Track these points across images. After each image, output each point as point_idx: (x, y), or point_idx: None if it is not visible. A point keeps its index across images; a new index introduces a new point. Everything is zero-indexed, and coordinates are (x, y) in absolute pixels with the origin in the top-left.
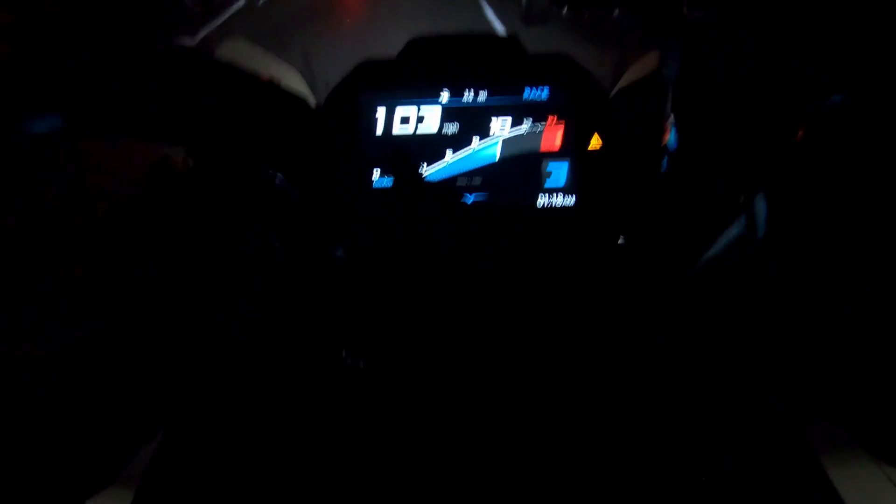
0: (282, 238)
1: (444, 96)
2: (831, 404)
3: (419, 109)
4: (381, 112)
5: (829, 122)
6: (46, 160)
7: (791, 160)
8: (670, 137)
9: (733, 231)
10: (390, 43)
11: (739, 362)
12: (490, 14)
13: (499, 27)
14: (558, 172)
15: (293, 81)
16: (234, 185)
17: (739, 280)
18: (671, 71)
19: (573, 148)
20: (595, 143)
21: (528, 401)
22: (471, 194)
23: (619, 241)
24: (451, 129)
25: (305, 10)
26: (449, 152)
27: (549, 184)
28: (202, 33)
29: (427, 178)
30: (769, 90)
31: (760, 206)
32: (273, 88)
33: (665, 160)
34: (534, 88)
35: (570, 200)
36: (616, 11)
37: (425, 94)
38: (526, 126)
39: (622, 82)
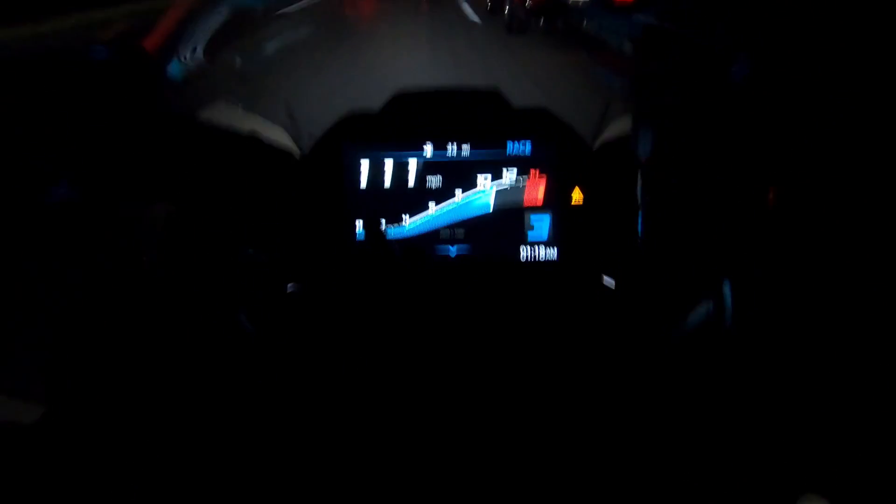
0: (251, 317)
1: (428, 150)
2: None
3: (403, 161)
4: (364, 164)
5: (800, 182)
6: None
7: (756, 240)
8: (638, 191)
9: (700, 313)
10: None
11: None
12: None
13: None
14: (541, 226)
15: (276, 136)
16: (215, 259)
17: (708, 361)
18: (642, 152)
19: (556, 202)
20: (577, 197)
21: (514, 458)
22: (453, 246)
23: (607, 283)
24: (435, 181)
25: (288, 57)
26: (432, 204)
27: (531, 237)
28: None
29: (410, 229)
30: (741, 154)
31: (727, 293)
32: (255, 144)
33: (640, 217)
34: (516, 143)
35: (553, 254)
36: (585, 22)
37: (409, 148)
38: (509, 179)
39: (605, 135)
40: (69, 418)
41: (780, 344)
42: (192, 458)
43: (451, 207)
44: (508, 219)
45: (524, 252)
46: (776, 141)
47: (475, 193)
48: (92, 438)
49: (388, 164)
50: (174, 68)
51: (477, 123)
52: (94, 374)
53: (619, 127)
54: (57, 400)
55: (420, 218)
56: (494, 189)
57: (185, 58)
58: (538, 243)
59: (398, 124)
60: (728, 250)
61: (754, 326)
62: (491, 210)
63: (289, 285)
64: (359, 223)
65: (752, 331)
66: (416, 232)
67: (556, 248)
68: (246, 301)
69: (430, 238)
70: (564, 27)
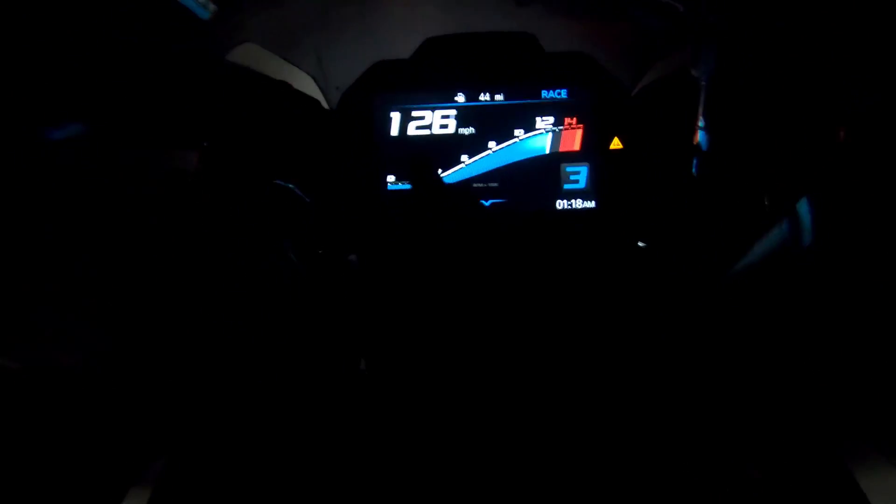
0: (296, 246)
1: (460, 98)
2: (864, 418)
3: (434, 112)
4: (395, 115)
5: (870, 122)
6: (69, 166)
7: (833, 162)
8: (700, 138)
9: (773, 238)
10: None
11: (770, 371)
12: None
13: None
14: (578, 175)
15: (304, 86)
16: (250, 194)
17: (779, 289)
18: (703, 71)
19: (593, 150)
20: (616, 144)
21: (544, 403)
22: (488, 198)
23: (640, 244)
24: (468, 131)
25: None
26: (465, 156)
27: (568, 187)
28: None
29: (444, 182)
30: (807, 90)
31: (805, 212)
32: (285, 92)
33: (695, 162)
34: (551, 90)
35: (591, 203)
36: None
37: (440, 97)
38: (544, 128)
39: (644, 81)
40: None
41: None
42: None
43: (484, 157)
44: (544, 169)
45: (561, 202)
46: (835, 80)
47: (509, 143)
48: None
49: (419, 115)
50: (198, 7)
51: (511, 70)
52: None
53: (658, 72)
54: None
55: (454, 170)
56: (529, 138)
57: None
58: (575, 193)
59: (428, 73)
60: (801, 170)
61: (835, 257)
62: (526, 160)
63: (350, 256)
64: (391, 177)
65: (832, 263)
66: (450, 182)
67: (594, 199)
68: (287, 231)
69: (465, 189)
70: None
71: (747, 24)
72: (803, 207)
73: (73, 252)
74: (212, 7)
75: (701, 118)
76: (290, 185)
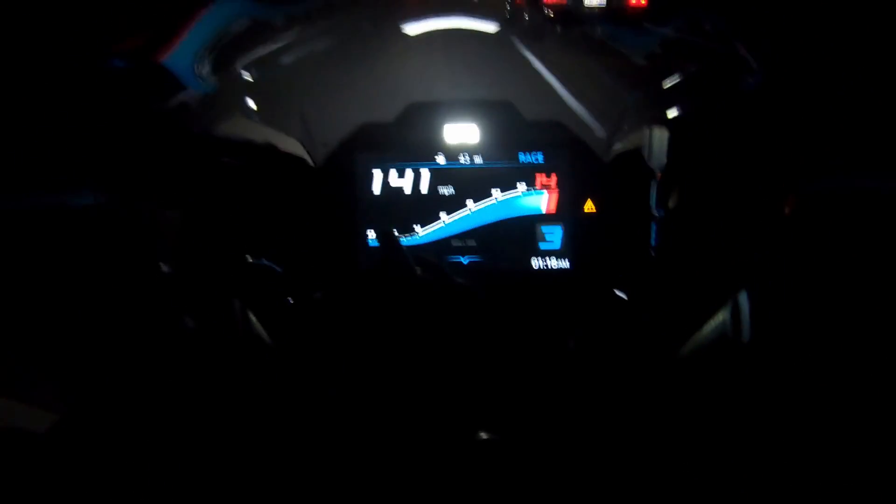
0: (264, 321)
1: (440, 159)
2: None
3: (415, 172)
4: (377, 173)
5: (821, 195)
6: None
7: (778, 235)
8: (652, 202)
9: (717, 325)
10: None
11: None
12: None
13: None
14: (553, 236)
15: (291, 147)
16: (220, 271)
17: (722, 373)
18: (656, 164)
19: (568, 212)
20: (589, 206)
21: (522, 465)
22: (465, 256)
23: (620, 295)
24: (447, 191)
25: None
26: (443, 214)
27: (543, 246)
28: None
29: (422, 239)
30: (757, 164)
31: (744, 306)
32: (270, 154)
33: (653, 227)
34: (528, 154)
35: (565, 263)
36: (599, 30)
37: (421, 157)
38: (521, 190)
39: (617, 147)
40: (80, 421)
41: (796, 357)
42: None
43: (462, 217)
44: (520, 229)
45: (537, 262)
46: (790, 150)
47: (487, 203)
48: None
49: (401, 174)
50: (189, 80)
51: (489, 135)
52: (104, 374)
53: (632, 138)
54: (68, 403)
55: (432, 229)
56: (506, 199)
57: (199, 69)
58: (551, 253)
59: (411, 135)
60: (744, 261)
61: (771, 339)
62: (503, 219)
63: (317, 293)
64: (370, 232)
65: (768, 344)
66: (428, 240)
67: (568, 259)
68: (257, 306)
69: (442, 247)
70: (581, 35)
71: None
72: (743, 299)
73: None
74: (212, 83)
75: (655, 207)
76: (262, 261)
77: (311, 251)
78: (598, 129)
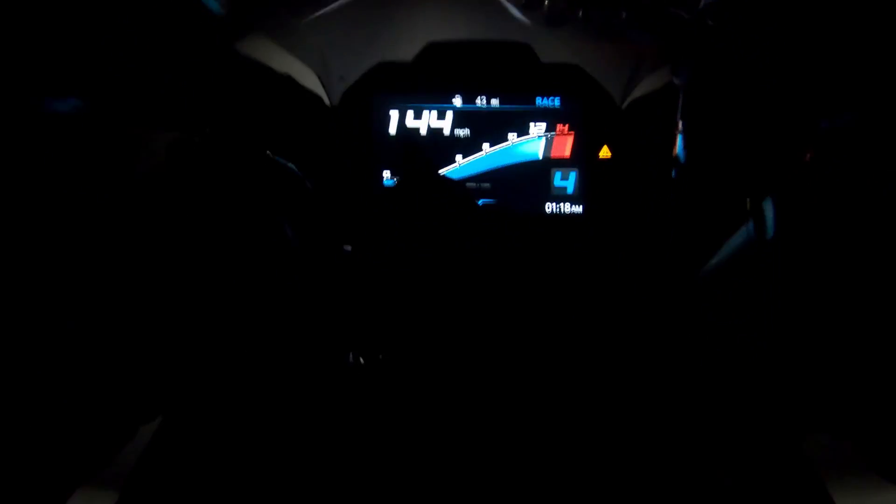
0: (294, 227)
1: (457, 101)
2: (834, 415)
3: (432, 113)
4: (394, 114)
5: (839, 145)
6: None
7: (799, 173)
8: (678, 147)
9: (741, 235)
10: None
11: (743, 370)
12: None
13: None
14: (567, 181)
15: (308, 81)
16: (250, 171)
17: (747, 285)
18: (682, 79)
19: (582, 157)
20: (605, 152)
21: (532, 405)
22: (480, 198)
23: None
24: (463, 133)
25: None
26: (459, 157)
27: (557, 191)
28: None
29: (437, 172)
30: (781, 104)
31: (769, 210)
32: (288, 85)
33: (674, 171)
34: (545, 97)
35: (579, 209)
36: (624, 14)
37: (438, 99)
38: (537, 133)
39: (635, 93)
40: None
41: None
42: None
43: (478, 159)
44: (535, 173)
45: (550, 206)
46: (808, 93)
47: (503, 146)
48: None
49: (417, 115)
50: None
51: (507, 77)
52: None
53: (647, 85)
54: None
55: (448, 170)
56: (522, 142)
57: None
58: (564, 198)
59: (428, 75)
60: (769, 177)
61: (795, 250)
62: (518, 163)
63: (345, 246)
64: (386, 173)
65: (792, 256)
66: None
67: (581, 204)
68: (286, 211)
69: (458, 186)
70: (604, 21)
71: (737, 33)
72: (768, 207)
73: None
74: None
75: (680, 123)
76: (290, 165)
77: (330, 185)
78: (617, 75)
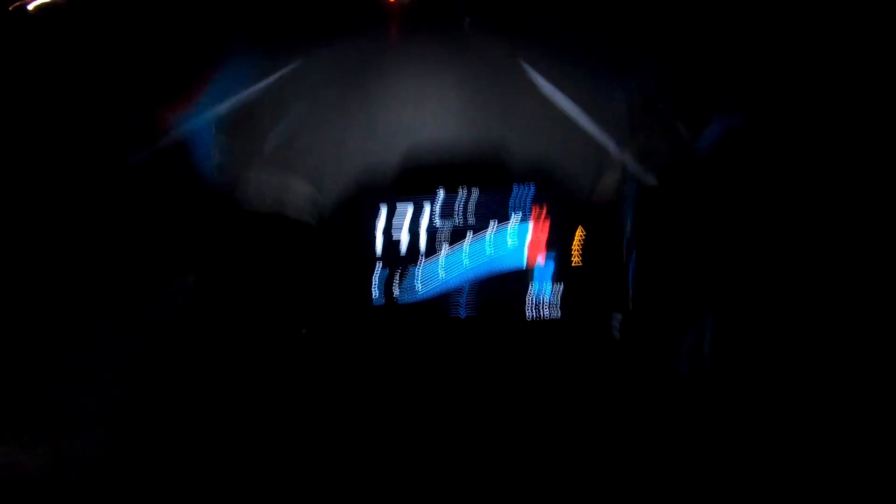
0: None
1: (440, 194)
2: None
3: (417, 205)
4: (382, 209)
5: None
6: None
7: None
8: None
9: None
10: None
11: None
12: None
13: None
14: (544, 288)
15: (303, 190)
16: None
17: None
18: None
19: (559, 246)
20: (579, 238)
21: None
22: (464, 311)
23: (616, 324)
24: (447, 224)
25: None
26: (444, 245)
27: (536, 298)
28: None
29: (422, 296)
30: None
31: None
32: (286, 198)
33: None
34: (521, 186)
35: (556, 313)
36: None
37: (423, 193)
38: (515, 221)
39: (603, 181)
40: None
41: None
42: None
43: (460, 250)
44: (514, 282)
45: (530, 312)
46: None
47: (484, 236)
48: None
49: (404, 208)
50: (202, 143)
51: (485, 169)
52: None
53: (613, 176)
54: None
55: (433, 259)
56: (501, 231)
57: (212, 132)
58: (542, 304)
59: (412, 173)
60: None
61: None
62: (496, 274)
63: (303, 330)
64: (375, 291)
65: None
66: (429, 296)
67: (559, 308)
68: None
69: (441, 304)
70: None
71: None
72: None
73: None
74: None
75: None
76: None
77: (322, 285)
78: (584, 165)
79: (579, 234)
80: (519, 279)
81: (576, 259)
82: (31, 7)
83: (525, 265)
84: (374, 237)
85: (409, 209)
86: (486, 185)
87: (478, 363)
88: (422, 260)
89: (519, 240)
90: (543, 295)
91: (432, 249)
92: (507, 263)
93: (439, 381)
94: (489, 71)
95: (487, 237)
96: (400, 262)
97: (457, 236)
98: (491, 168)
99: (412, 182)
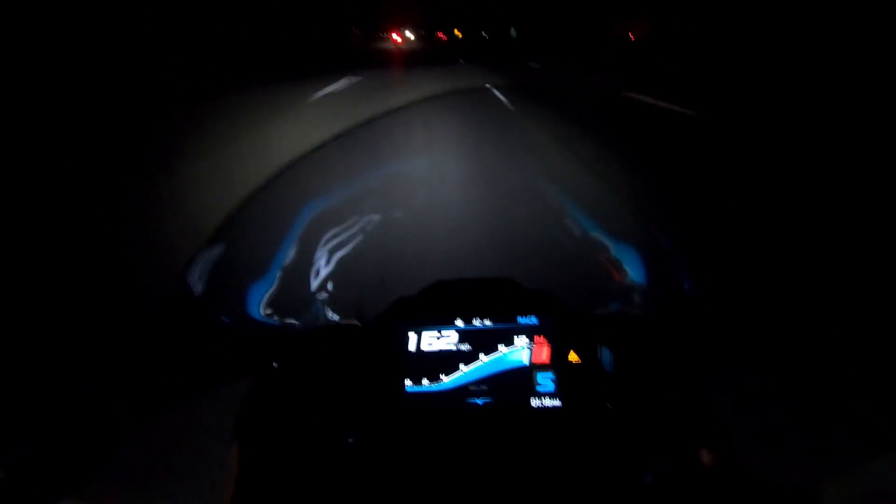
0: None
1: (459, 323)
2: None
3: (440, 333)
4: (412, 336)
5: None
6: None
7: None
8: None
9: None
10: None
11: None
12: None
13: None
14: (546, 381)
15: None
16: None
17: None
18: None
19: (557, 362)
20: (573, 357)
21: None
22: (480, 398)
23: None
24: (465, 347)
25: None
26: (462, 365)
27: (540, 389)
28: None
29: (446, 387)
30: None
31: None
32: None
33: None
34: (524, 317)
35: (557, 402)
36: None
37: (444, 322)
38: (519, 344)
39: (592, 313)
40: None
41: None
42: None
43: (477, 367)
44: (522, 376)
45: (535, 402)
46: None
47: (495, 355)
48: None
49: (429, 335)
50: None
51: (495, 303)
52: None
53: (600, 311)
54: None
55: (454, 376)
56: (509, 352)
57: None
58: (545, 394)
59: (437, 305)
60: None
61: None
62: (508, 369)
63: (348, 438)
64: (408, 381)
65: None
66: (451, 387)
67: (559, 399)
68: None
69: (462, 392)
70: None
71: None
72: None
73: None
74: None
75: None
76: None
77: (360, 398)
78: (578, 297)
79: (573, 354)
80: (526, 375)
81: (574, 360)
82: None
83: (532, 367)
84: (404, 358)
85: (434, 335)
86: (495, 315)
87: (491, 443)
88: (444, 378)
89: (526, 360)
90: (546, 388)
91: (452, 368)
92: (517, 367)
93: (459, 458)
94: None
95: (497, 357)
96: (423, 376)
97: (472, 357)
98: (499, 302)
99: (435, 313)
